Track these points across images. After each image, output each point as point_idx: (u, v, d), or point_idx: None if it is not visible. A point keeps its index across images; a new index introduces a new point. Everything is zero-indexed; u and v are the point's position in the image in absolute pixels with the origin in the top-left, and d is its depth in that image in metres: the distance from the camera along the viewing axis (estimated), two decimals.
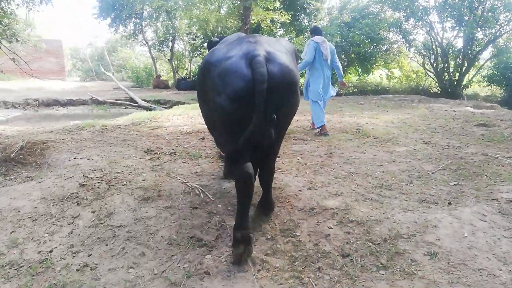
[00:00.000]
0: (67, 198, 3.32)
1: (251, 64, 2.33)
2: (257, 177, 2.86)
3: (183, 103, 12.88)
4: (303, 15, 18.13)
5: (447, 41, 15.59)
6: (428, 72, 16.97)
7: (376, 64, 17.79)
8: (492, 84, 15.16)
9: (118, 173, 4.02)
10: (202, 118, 3.30)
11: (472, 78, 15.97)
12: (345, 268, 2.31)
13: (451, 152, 4.88)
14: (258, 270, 2.35)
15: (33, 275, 2.35)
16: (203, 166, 4.30)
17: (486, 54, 15.62)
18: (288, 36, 18.78)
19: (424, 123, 7.34)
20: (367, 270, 2.30)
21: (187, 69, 23.63)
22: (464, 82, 15.72)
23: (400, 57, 18.00)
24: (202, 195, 3.33)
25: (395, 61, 17.99)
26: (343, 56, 16.61)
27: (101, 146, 5.41)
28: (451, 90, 15.44)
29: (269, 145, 2.63)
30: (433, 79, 16.84)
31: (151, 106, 13.09)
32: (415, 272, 2.24)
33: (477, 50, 15.14)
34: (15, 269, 2.42)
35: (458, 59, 15.65)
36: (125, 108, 13.90)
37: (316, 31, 6.51)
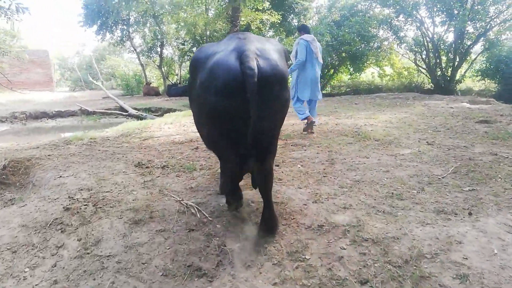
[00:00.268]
0: (50, 224, 3.02)
1: (241, 58, 2.31)
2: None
3: (175, 110, 12.58)
4: (292, 15, 17.96)
5: (438, 36, 15.49)
6: (420, 68, 16.83)
7: (368, 62, 17.63)
8: (486, 78, 15.06)
9: (106, 192, 3.73)
10: (195, 126, 3.19)
11: (465, 73, 15.85)
12: None
13: (458, 153, 4.65)
14: None
15: None
16: (198, 180, 4.02)
17: (478, 48, 15.52)
18: (278, 37, 18.57)
19: (424, 122, 7.12)
20: None
21: (177, 75, 23.30)
22: (457, 77, 15.61)
23: (391, 54, 17.87)
24: (198, 215, 3.05)
25: (386, 58, 17.83)
26: (334, 55, 16.42)
27: (89, 161, 5.11)
28: (444, 86, 15.32)
29: (263, 143, 2.51)
30: (426, 75, 16.72)
31: (141, 115, 12.78)
32: None
33: (469, 44, 15.03)
34: None
35: (449, 54, 15.53)
36: (116, 117, 13.57)
37: (304, 29, 6.35)
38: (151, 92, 20.26)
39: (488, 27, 14.31)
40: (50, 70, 26.04)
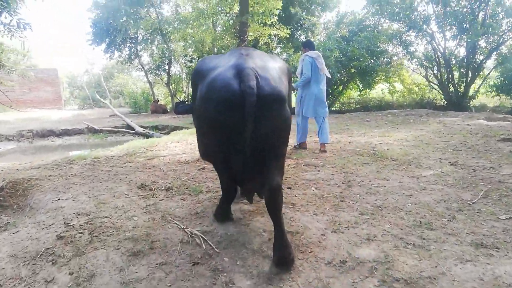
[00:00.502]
0: (41, 255, 2.73)
1: (241, 76, 2.32)
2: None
3: (182, 128, 12.37)
4: (300, 31, 17.82)
5: (449, 50, 15.18)
6: (432, 84, 16.49)
7: (377, 78, 17.37)
8: (501, 94, 14.66)
9: (105, 217, 3.44)
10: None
11: (478, 88, 15.47)
12: None
13: (485, 175, 4.30)
14: None
15: None
16: (204, 204, 3.71)
17: (491, 62, 15.20)
18: (285, 53, 18.45)
19: (442, 140, 6.78)
20: None
21: (185, 92, 23.23)
22: (470, 93, 15.24)
23: (401, 70, 17.60)
24: (204, 245, 2.73)
25: (396, 74, 17.56)
26: (343, 71, 16.19)
27: (91, 183, 4.85)
28: (457, 102, 14.95)
29: (266, 162, 2.48)
30: (438, 91, 16.36)
31: (148, 133, 12.59)
32: None
33: (481, 59, 14.70)
34: None
35: (462, 69, 15.20)
36: (122, 135, 13.40)
37: (309, 45, 6.24)
38: (159, 109, 20.15)
39: (500, 41, 14.02)
40: (59, 88, 26.15)
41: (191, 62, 21.28)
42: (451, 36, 14.79)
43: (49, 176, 5.30)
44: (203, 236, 2.84)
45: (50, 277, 2.47)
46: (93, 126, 13.79)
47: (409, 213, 3.23)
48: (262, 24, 13.33)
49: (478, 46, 14.36)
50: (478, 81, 15.50)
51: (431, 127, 8.82)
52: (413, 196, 3.67)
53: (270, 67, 2.56)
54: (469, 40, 13.60)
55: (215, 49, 16.97)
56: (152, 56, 22.87)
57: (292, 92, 5.55)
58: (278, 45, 17.78)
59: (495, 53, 14.24)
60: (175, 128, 12.86)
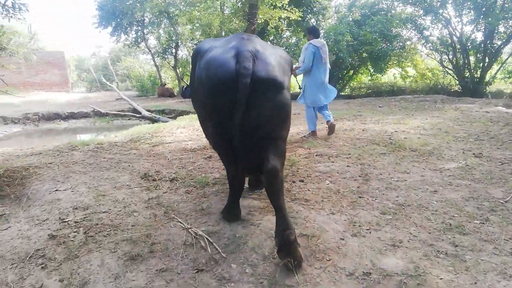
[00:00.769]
0: (30, 257, 2.48)
1: (238, 57, 2.34)
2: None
3: (188, 112, 12.07)
4: (310, 14, 17.21)
5: (465, 35, 14.56)
6: (447, 69, 15.91)
7: (390, 63, 16.83)
8: None
9: (103, 212, 3.19)
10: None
11: (495, 74, 14.88)
12: None
13: None
14: None
15: None
16: (211, 198, 3.44)
17: (509, 47, 14.54)
18: (295, 37, 17.92)
19: (462, 129, 6.40)
20: None
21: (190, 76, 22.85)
22: (487, 79, 14.66)
23: (415, 54, 17.02)
24: (209, 249, 2.46)
25: (409, 59, 16.99)
26: (355, 55, 15.67)
27: (92, 171, 4.61)
28: (473, 88, 14.39)
29: (264, 146, 2.46)
30: (453, 76, 15.78)
31: (155, 117, 12.35)
32: None
33: (499, 44, 14.07)
34: None
35: (478, 55, 14.60)
36: (129, 119, 13.18)
37: (314, 32, 6.07)
38: (166, 93, 19.88)
39: None
40: (66, 71, 25.94)
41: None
42: (468, 20, 14.15)
43: (49, 163, 5.07)
44: (208, 238, 2.57)
45: (38, 284, 2.23)
46: (99, 110, 13.58)
47: (435, 213, 2.92)
48: (272, 7, 12.78)
49: (496, 31, 13.74)
50: (495, 67, 14.89)
51: (448, 114, 8.41)
52: (438, 193, 3.35)
53: (270, 52, 2.56)
54: (487, 24, 12.99)
55: (223, 33, 16.50)
56: (159, 39, 22.48)
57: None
58: (288, 28, 17.15)
59: None
60: (182, 113, 12.58)
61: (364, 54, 15.97)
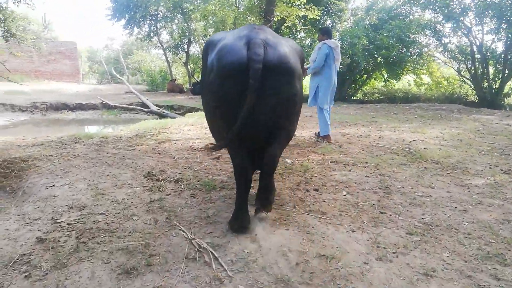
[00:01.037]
0: (14, 262, 2.22)
1: (249, 45, 2.32)
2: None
3: (198, 109, 11.83)
4: (326, 15, 16.86)
5: (486, 44, 14.12)
6: (464, 78, 15.47)
7: (405, 69, 16.43)
8: None
9: (100, 214, 2.93)
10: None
11: None
12: None
13: None
14: None
15: None
16: (217, 204, 3.16)
17: None
18: (309, 38, 17.59)
19: (484, 142, 6.05)
20: None
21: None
22: (506, 90, 14.22)
23: (431, 62, 16.60)
24: (214, 265, 2.18)
25: (425, 66, 16.57)
26: (370, 60, 15.29)
27: (93, 167, 4.36)
28: (490, 99, 13.96)
29: (272, 133, 2.54)
30: (470, 86, 15.34)
31: (163, 112, 12.12)
32: None
33: None
34: None
35: (498, 65, 14.16)
36: (137, 113, 12.99)
37: (328, 33, 5.93)
38: (176, 89, 19.70)
39: None
40: (77, 62, 25.91)
41: None
42: (490, 29, 13.70)
43: (49, 155, 4.84)
44: (213, 252, 2.29)
45: None
46: (108, 102, 13.40)
47: (468, 236, 2.60)
48: (290, 4, 12.41)
49: None
50: None
51: (467, 125, 8.05)
52: (468, 213, 3.03)
53: (282, 42, 2.54)
54: (510, 34, 12.56)
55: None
56: (172, 34, 22.33)
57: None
58: (305, 27, 16.69)
59: None
60: (191, 110, 12.34)
61: (379, 59, 15.59)
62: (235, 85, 2.30)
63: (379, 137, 6.25)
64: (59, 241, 2.42)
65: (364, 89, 18.57)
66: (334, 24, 17.15)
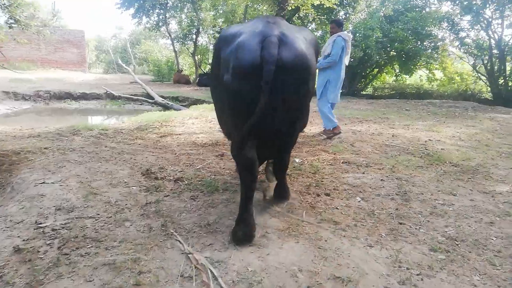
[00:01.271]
0: None
1: (263, 43, 2.27)
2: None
3: (203, 101, 11.54)
4: (340, 6, 16.33)
5: (504, 40, 13.58)
6: (479, 74, 14.96)
7: (419, 63, 15.93)
8: None
9: (89, 218, 2.66)
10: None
11: None
12: None
13: None
14: None
15: None
16: (219, 210, 2.87)
17: None
18: (321, 30, 17.11)
19: (504, 143, 5.69)
20: None
21: (210, 64, 22.35)
22: None
23: (446, 57, 16.08)
24: (212, 286, 1.90)
25: (439, 61, 16.05)
26: (383, 54, 14.80)
27: (89, 162, 4.10)
28: (506, 97, 13.46)
29: (281, 136, 2.63)
30: (485, 83, 14.84)
31: (168, 103, 11.86)
32: None
33: None
34: None
35: None
36: (141, 104, 12.73)
37: (342, 25, 5.72)
38: (182, 80, 19.43)
39: None
40: (84, 50, 25.70)
41: (219, 33, 20.26)
42: (510, 23, 13.16)
43: (44, 148, 4.59)
44: (212, 270, 2.00)
45: None
46: (112, 92, 13.18)
47: (499, 255, 2.29)
48: None
49: None
50: None
51: (483, 124, 7.67)
52: (495, 225, 2.72)
53: (297, 36, 2.47)
54: None
55: (246, 21, 15.83)
56: (180, 24, 22.00)
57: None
58: (320, 16, 16.07)
59: None
60: (196, 102, 12.05)
61: (392, 52, 15.11)
62: (250, 84, 2.27)
63: (392, 136, 5.92)
64: (38, 251, 2.15)
65: (374, 83, 18.11)
66: (347, 15, 16.63)
